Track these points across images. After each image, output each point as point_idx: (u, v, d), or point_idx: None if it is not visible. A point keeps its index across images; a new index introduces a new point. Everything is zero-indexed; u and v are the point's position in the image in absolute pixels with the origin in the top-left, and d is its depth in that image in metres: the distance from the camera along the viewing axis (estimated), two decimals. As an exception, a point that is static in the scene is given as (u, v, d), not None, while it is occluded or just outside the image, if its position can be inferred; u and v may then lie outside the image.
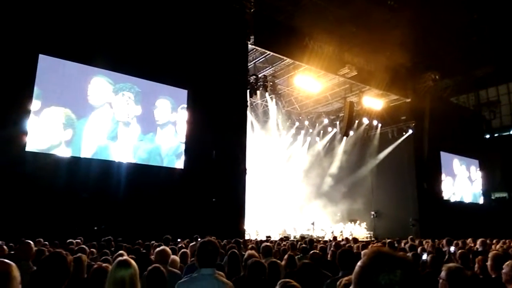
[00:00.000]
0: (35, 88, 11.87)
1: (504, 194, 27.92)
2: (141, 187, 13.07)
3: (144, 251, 6.24)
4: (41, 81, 12.03)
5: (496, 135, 28.91)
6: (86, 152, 12.74)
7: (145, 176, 13.40)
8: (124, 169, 13.15)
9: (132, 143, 13.71)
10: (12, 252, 5.81)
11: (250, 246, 7.51)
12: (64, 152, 12.31)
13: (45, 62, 12.10)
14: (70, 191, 11.67)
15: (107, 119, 13.28)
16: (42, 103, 12.05)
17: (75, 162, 12.39)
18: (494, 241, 10.79)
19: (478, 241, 8.22)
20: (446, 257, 6.64)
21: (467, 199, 25.96)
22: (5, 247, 6.22)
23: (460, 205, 24.46)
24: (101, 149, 13.00)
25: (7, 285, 1.78)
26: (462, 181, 25.88)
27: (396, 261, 1.11)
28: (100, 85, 13.27)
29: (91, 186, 12.09)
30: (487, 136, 28.94)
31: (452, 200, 24.52)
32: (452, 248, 7.89)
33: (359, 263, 1.16)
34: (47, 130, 12.09)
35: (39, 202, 10.87)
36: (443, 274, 2.78)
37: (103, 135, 13.14)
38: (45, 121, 12.07)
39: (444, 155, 24.50)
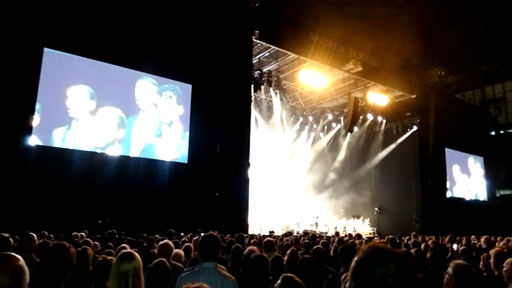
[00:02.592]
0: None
1: (509, 192, 27.72)
2: (145, 181, 13.13)
3: (145, 244, 6.28)
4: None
5: (501, 132, 28.65)
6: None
7: (148, 170, 13.44)
8: (127, 164, 13.17)
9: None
10: (15, 244, 5.85)
11: (252, 241, 7.52)
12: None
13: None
14: (79, 185, 11.78)
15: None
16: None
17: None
18: (498, 238, 10.74)
19: (483, 238, 8.17)
20: (449, 254, 6.62)
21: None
22: (10, 239, 6.25)
23: (464, 202, 24.38)
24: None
25: (22, 279, 1.79)
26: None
27: (389, 255, 1.17)
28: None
29: (92, 180, 12.17)
30: (493, 133, 28.70)
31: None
32: (455, 246, 7.86)
33: (355, 258, 1.22)
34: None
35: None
36: (450, 270, 2.76)
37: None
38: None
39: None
